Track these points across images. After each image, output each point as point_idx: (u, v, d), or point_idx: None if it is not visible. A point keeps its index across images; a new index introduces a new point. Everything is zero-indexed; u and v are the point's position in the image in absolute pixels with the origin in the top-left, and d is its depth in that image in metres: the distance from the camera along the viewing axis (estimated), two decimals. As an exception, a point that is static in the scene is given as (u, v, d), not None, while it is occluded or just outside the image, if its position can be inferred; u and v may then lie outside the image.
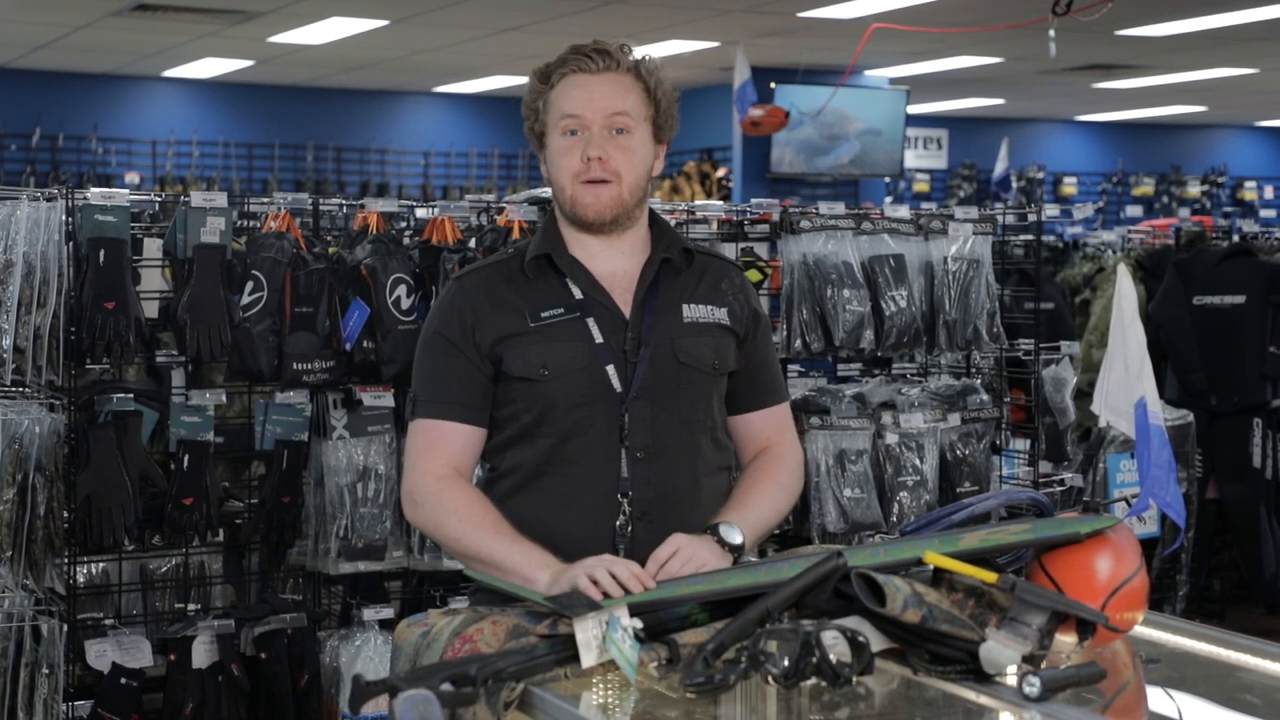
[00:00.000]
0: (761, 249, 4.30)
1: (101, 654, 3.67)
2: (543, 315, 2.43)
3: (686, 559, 2.28)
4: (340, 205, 4.31)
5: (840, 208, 4.23)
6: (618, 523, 2.39)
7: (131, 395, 3.74)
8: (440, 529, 2.42)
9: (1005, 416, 4.52)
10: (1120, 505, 2.25)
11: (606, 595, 2.12)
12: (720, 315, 2.51)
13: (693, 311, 2.49)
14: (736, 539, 2.38)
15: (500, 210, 4.16)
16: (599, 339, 2.43)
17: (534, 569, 2.28)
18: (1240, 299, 5.91)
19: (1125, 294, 2.22)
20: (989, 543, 2.15)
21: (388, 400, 3.88)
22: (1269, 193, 18.08)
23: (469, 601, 2.53)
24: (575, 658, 1.99)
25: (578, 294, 2.45)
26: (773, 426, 2.60)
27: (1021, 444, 4.72)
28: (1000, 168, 14.64)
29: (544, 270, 2.47)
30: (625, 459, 2.40)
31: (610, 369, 2.41)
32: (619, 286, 2.47)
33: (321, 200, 4.12)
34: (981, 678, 1.95)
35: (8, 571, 3.57)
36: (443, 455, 2.43)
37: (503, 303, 2.45)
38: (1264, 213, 16.71)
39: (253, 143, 14.21)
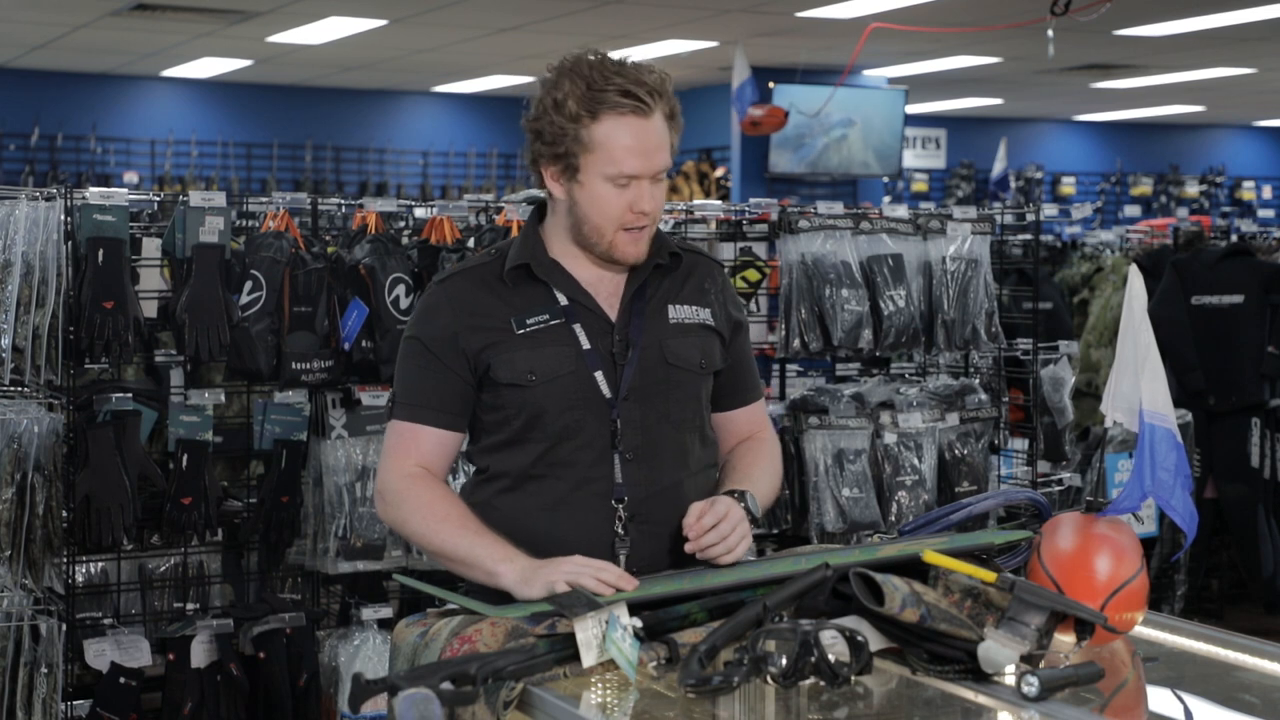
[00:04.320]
0: (760, 249, 4.30)
1: (100, 653, 3.67)
2: (528, 322, 2.41)
3: (731, 527, 2.32)
4: (339, 205, 4.32)
5: (838, 207, 4.23)
6: (616, 528, 2.38)
7: (130, 395, 3.74)
8: (406, 525, 2.42)
9: (1003, 416, 4.52)
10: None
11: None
12: (705, 316, 2.51)
13: (678, 312, 2.48)
14: (757, 512, 2.41)
15: (499, 210, 4.16)
16: (586, 344, 2.41)
17: (496, 562, 2.28)
18: (1238, 299, 5.92)
19: (1136, 294, 2.22)
20: (905, 553, 2.16)
21: (386, 400, 3.87)
22: (1267, 192, 18.09)
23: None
24: (575, 657, 1.99)
25: (562, 300, 2.43)
26: (755, 421, 2.61)
27: (1020, 443, 4.72)
28: (998, 167, 14.66)
29: (525, 278, 2.45)
30: (618, 462, 2.40)
31: (599, 374, 2.40)
32: (604, 290, 2.46)
33: (320, 200, 4.13)
34: (980, 677, 1.96)
35: (6, 571, 3.57)
36: (414, 456, 2.43)
37: (486, 310, 2.43)
38: (1262, 212, 16.72)
39: (251, 142, 14.20)
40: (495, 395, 2.43)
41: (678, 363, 2.45)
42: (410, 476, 2.42)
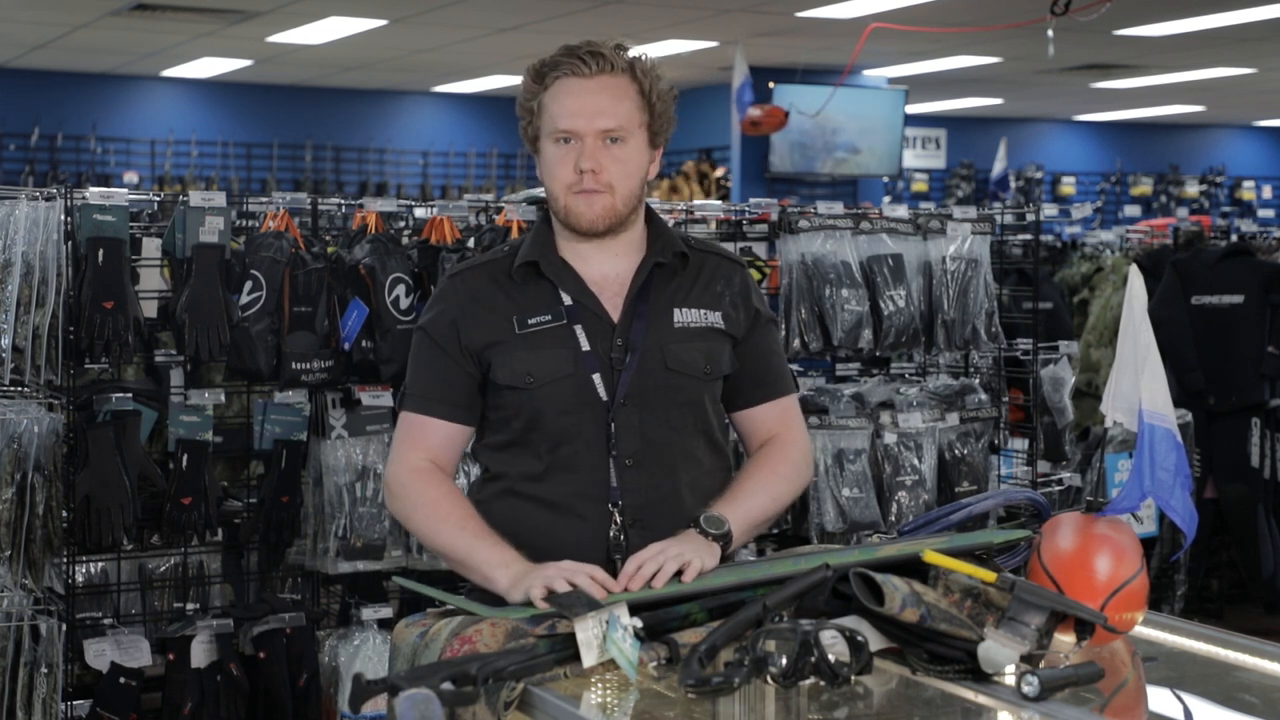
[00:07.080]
0: (760, 249, 4.30)
1: (100, 653, 3.67)
2: (530, 322, 2.42)
3: (669, 557, 2.23)
4: (339, 205, 4.31)
5: (839, 207, 4.23)
6: (611, 532, 2.37)
7: (130, 395, 3.74)
8: (409, 521, 2.47)
9: (1003, 416, 4.52)
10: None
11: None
12: (714, 319, 2.48)
13: (684, 316, 2.46)
14: (721, 527, 2.33)
15: (499, 210, 4.16)
16: (585, 346, 2.41)
17: (493, 567, 2.28)
18: (1238, 299, 5.92)
19: (1136, 294, 2.22)
20: (905, 553, 2.15)
21: (386, 400, 3.88)
22: (1267, 192, 18.09)
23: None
24: (575, 657, 1.99)
25: (567, 300, 2.43)
26: (775, 419, 2.55)
27: (1020, 443, 4.72)
28: (998, 167, 14.66)
29: (533, 275, 2.46)
30: (614, 467, 2.39)
31: (596, 377, 2.39)
32: (610, 290, 2.45)
33: (320, 200, 4.13)
34: (980, 677, 1.96)
35: (6, 571, 3.57)
36: (421, 449, 2.45)
37: (491, 307, 2.44)
38: (1262, 212, 16.72)
39: (251, 142, 14.20)
40: (497, 396, 2.44)
41: (679, 368, 2.43)
42: (416, 471, 2.43)
